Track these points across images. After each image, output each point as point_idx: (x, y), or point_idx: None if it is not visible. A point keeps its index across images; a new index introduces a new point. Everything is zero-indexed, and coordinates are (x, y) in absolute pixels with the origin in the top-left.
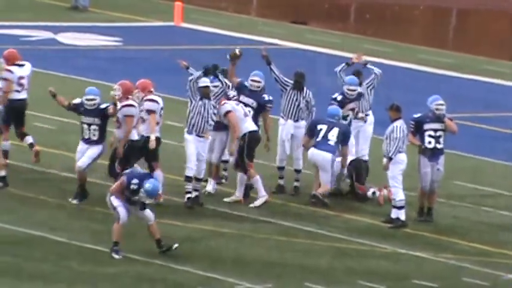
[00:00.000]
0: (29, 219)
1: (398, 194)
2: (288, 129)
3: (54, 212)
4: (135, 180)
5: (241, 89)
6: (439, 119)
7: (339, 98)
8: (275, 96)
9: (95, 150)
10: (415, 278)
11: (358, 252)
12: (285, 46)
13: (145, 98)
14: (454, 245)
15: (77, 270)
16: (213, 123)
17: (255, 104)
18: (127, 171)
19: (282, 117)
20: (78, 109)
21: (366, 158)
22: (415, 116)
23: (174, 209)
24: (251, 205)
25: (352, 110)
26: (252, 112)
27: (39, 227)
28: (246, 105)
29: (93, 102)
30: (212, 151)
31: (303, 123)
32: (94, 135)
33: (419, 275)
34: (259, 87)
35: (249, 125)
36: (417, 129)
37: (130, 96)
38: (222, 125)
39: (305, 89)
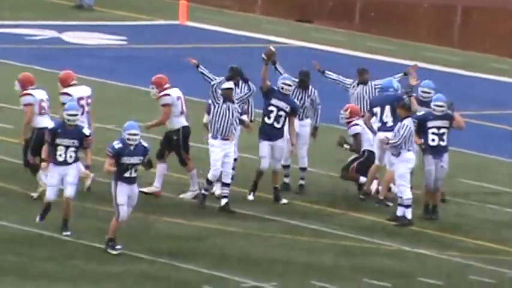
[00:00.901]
0: (34, 218)
1: (406, 193)
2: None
3: (59, 211)
4: (116, 142)
5: (272, 92)
6: (442, 116)
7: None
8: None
9: (74, 172)
10: (420, 276)
11: (363, 250)
12: (290, 44)
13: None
14: (459, 243)
15: (82, 269)
16: (238, 126)
17: (288, 108)
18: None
19: None
20: (55, 134)
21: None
22: (418, 113)
23: (178, 207)
24: (180, 195)
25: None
26: (283, 116)
27: (44, 226)
28: (279, 109)
29: (75, 118)
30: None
31: (307, 122)
32: (71, 156)
33: (424, 273)
34: (289, 90)
35: (182, 121)
36: (420, 127)
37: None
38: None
39: (310, 87)
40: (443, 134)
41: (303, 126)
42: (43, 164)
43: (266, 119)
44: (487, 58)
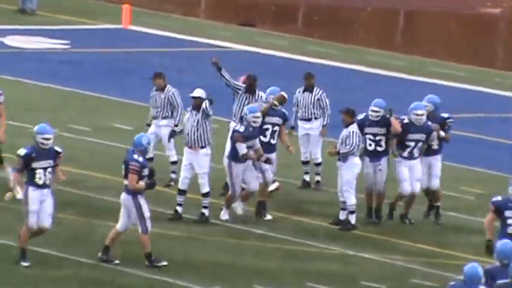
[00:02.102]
0: None
1: (351, 199)
2: None
3: (1, 215)
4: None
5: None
6: (378, 122)
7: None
8: (227, 100)
9: (50, 200)
10: (363, 280)
11: (307, 254)
12: (234, 48)
13: None
14: (402, 246)
15: (25, 274)
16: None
17: (281, 121)
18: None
19: (234, 121)
20: (30, 159)
21: (319, 160)
22: (358, 118)
23: None
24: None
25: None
26: (277, 130)
27: None
28: (274, 124)
29: (49, 141)
30: None
31: None
32: (50, 178)
33: (367, 277)
34: (277, 106)
35: None
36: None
37: None
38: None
39: (257, 91)
40: (380, 140)
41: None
42: (8, 194)
43: (262, 138)
44: (430, 62)
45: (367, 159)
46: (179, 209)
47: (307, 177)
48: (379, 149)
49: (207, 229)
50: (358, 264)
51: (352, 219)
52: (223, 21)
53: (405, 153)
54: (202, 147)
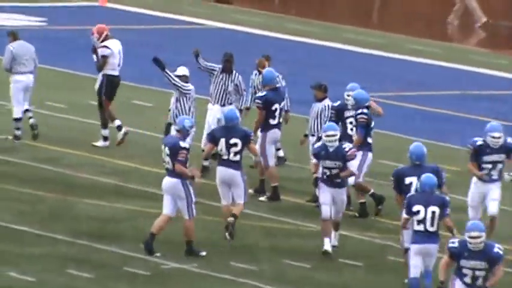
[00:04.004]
0: None
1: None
2: (214, 114)
3: None
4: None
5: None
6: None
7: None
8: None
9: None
10: (340, 257)
11: (283, 231)
12: (210, 26)
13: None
14: (379, 224)
15: (2, 251)
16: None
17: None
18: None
19: (210, 102)
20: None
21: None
22: (335, 104)
23: (98, 189)
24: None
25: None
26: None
27: None
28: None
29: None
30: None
31: (231, 108)
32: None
33: (344, 254)
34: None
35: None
36: (337, 117)
37: None
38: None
39: (234, 72)
40: (355, 125)
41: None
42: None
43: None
44: (406, 39)
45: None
46: None
47: (280, 153)
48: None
49: None
50: None
51: None
52: None
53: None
54: None
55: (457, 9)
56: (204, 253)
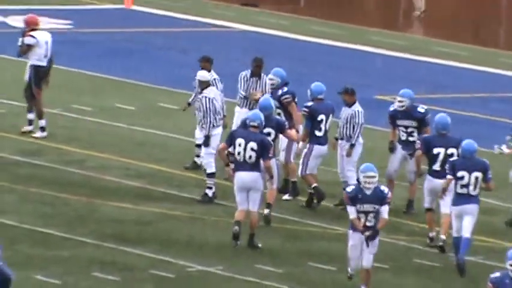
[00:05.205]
0: None
1: (353, 178)
2: (242, 117)
3: (4, 195)
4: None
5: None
6: (410, 115)
7: None
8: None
9: None
10: None
11: (310, 234)
12: (236, 28)
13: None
14: (405, 226)
15: (28, 254)
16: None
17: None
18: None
19: (238, 105)
20: None
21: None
22: (390, 109)
23: (123, 192)
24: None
25: None
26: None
27: None
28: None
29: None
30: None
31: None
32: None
33: None
34: (273, 84)
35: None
36: (392, 122)
37: None
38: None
39: (262, 75)
40: (412, 132)
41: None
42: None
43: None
44: (434, 42)
45: (399, 146)
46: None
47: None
48: (410, 139)
49: (209, 209)
50: None
51: None
52: (225, 1)
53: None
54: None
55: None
56: (260, 245)
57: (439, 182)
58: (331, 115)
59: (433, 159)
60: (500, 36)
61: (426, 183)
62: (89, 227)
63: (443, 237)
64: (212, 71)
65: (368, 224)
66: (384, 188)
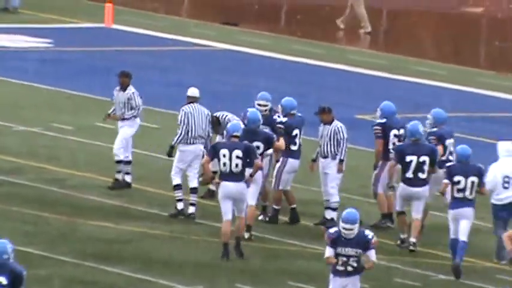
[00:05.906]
0: None
1: (336, 196)
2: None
3: None
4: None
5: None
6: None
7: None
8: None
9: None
10: None
11: (289, 253)
12: (216, 47)
13: None
14: (385, 246)
15: None
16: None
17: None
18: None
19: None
20: None
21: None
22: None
23: (104, 211)
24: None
25: None
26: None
27: None
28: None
29: None
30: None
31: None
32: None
33: None
34: (266, 110)
35: None
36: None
37: None
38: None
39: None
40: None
41: None
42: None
43: None
44: (411, 61)
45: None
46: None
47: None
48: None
49: (189, 228)
50: None
51: (334, 216)
52: (206, 19)
53: None
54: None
55: (347, 15)
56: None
57: (412, 190)
58: (302, 128)
59: (405, 167)
60: (480, 55)
61: (400, 190)
62: (70, 246)
63: (413, 240)
64: (131, 86)
65: (349, 268)
66: (368, 233)
